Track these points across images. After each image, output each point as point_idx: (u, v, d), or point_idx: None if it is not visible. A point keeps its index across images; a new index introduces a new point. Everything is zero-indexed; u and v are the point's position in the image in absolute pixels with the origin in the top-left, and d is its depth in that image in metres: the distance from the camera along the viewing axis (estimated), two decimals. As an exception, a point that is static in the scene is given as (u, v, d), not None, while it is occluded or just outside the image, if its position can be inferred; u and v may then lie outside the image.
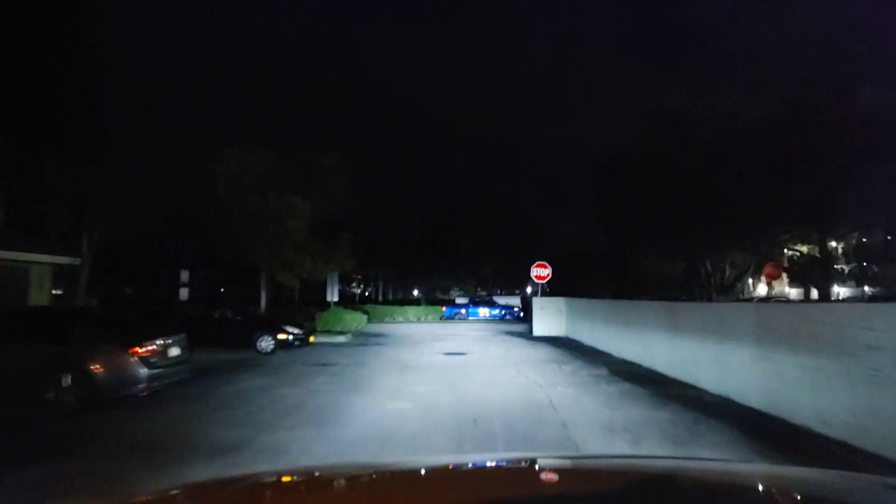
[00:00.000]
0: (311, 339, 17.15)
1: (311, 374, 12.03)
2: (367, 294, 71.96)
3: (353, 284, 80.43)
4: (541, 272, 23.78)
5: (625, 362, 13.87)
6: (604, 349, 16.40)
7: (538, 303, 23.12)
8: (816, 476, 1.79)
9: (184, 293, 21.26)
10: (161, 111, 25.56)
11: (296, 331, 16.50)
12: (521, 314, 38.86)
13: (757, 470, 2.31)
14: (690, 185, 24.67)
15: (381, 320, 35.58)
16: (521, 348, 17.64)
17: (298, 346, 16.43)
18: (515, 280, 60.58)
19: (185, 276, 21.26)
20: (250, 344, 15.88)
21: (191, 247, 25.08)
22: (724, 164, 23.96)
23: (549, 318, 22.82)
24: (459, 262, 57.31)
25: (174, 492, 1.74)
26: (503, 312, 39.05)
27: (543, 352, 16.63)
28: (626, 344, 14.61)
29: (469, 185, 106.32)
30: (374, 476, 1.83)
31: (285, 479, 1.91)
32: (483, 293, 52.55)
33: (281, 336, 16.12)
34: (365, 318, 24.20)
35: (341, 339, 20.11)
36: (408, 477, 1.79)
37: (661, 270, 56.82)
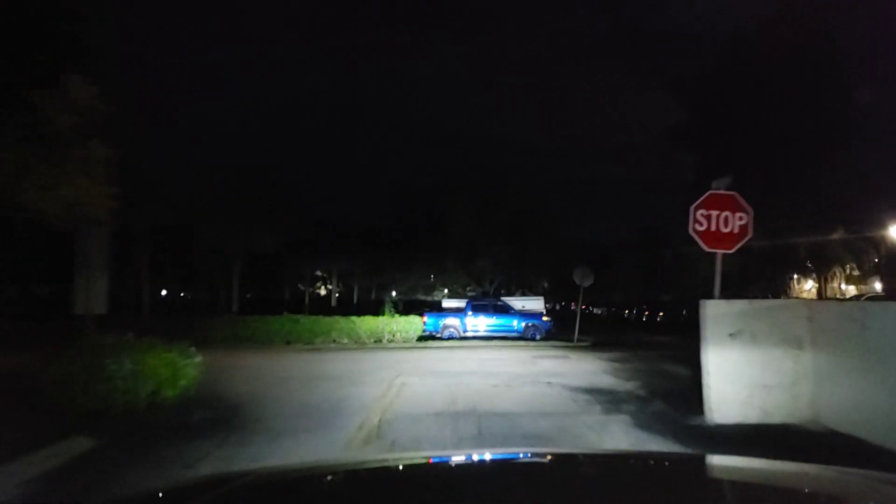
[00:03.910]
0: None
1: None
2: (337, 296, 55.22)
3: (319, 285, 63.28)
4: (725, 225, 7.74)
5: None
6: None
7: (718, 316, 7.07)
8: (816, 472, 1.72)
9: None
10: None
11: None
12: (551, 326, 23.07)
13: (758, 465, 2.11)
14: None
15: (311, 343, 19.38)
16: None
17: None
18: (525, 276, 44.79)
19: None
20: None
21: None
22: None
23: (757, 359, 6.87)
24: (446, 252, 40.89)
25: (171, 490, 1.71)
26: (524, 324, 23.00)
27: None
28: None
29: (464, 167, 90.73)
30: (375, 471, 1.80)
31: (284, 474, 1.85)
32: (473, 293, 36.05)
33: None
34: (190, 363, 8.09)
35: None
36: (410, 472, 1.76)
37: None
